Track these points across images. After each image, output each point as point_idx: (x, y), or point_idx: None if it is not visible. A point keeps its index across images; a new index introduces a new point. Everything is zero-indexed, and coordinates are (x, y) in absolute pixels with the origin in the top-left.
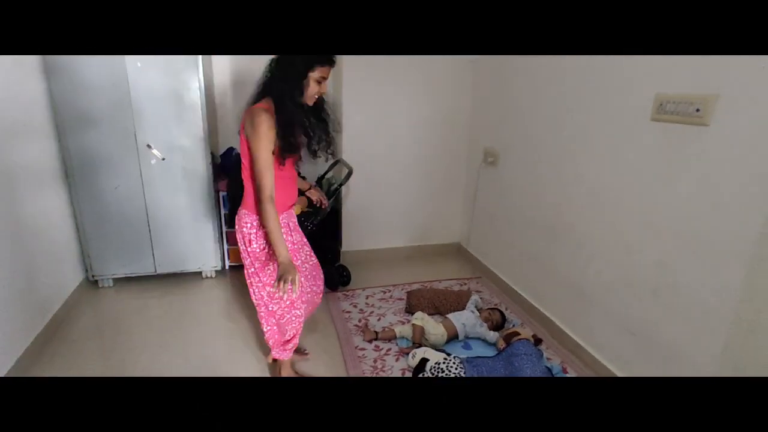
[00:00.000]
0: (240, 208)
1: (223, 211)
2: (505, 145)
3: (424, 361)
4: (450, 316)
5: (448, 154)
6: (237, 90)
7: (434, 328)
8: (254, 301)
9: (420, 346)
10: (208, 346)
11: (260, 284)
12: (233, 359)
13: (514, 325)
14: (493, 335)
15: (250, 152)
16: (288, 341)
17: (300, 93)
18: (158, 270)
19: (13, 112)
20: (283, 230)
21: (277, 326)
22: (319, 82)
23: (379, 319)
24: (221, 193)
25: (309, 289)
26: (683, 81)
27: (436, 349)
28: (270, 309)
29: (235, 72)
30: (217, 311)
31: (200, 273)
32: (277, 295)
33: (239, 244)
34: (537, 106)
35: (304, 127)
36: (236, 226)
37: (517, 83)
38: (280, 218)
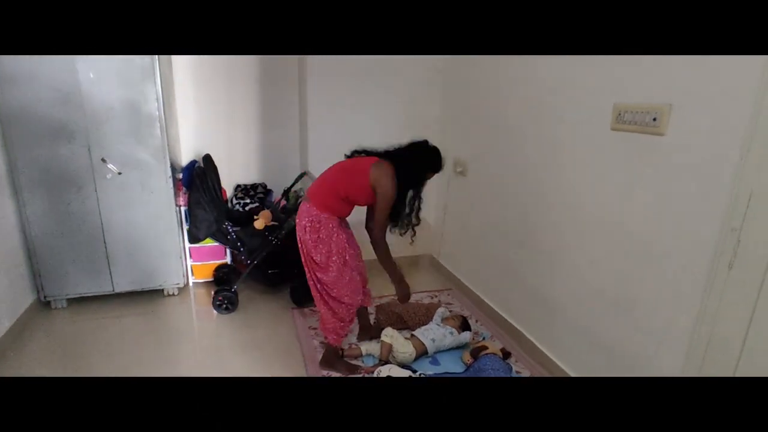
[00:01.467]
0: (308, 203)
1: (185, 227)
2: (473, 155)
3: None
4: (417, 333)
5: None
6: (200, 102)
7: (403, 347)
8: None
9: (386, 363)
10: (172, 367)
11: (313, 272)
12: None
13: (483, 338)
14: (465, 335)
15: (376, 196)
16: (342, 326)
17: (421, 182)
18: (116, 289)
19: None
20: (340, 226)
21: (331, 311)
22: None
23: (346, 335)
24: (182, 208)
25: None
26: (640, 91)
27: (403, 367)
28: (322, 295)
29: (198, 84)
30: (182, 330)
31: (162, 291)
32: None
33: (298, 234)
34: (503, 116)
35: (409, 205)
36: (297, 219)
37: (485, 94)
38: (338, 221)
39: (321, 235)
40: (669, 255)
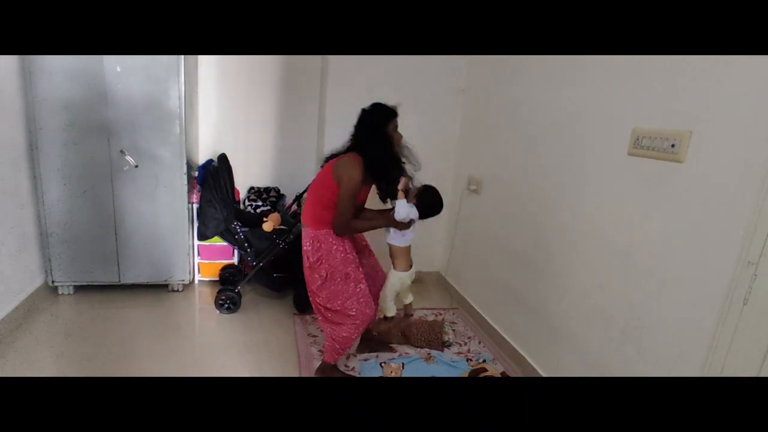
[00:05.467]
0: (305, 227)
1: (195, 224)
2: (488, 174)
3: None
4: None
5: (433, 179)
6: (222, 101)
7: None
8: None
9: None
10: (166, 362)
11: (315, 293)
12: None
13: (484, 360)
14: None
15: (339, 191)
16: (340, 347)
17: (390, 145)
18: (122, 280)
19: None
20: (345, 242)
21: (333, 328)
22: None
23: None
24: (195, 205)
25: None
26: (658, 116)
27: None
28: (327, 317)
29: (221, 85)
30: (182, 326)
31: (167, 286)
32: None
33: (303, 260)
34: (521, 138)
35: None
36: (302, 246)
37: (504, 116)
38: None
39: (322, 254)
40: (681, 284)
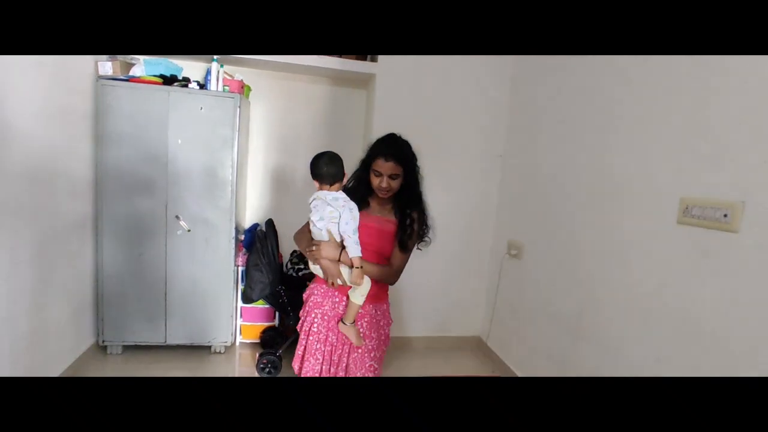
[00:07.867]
0: None
1: (240, 286)
2: (529, 239)
3: None
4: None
5: (473, 243)
6: (269, 171)
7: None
8: None
9: None
10: None
11: None
12: None
13: None
14: None
15: None
16: None
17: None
18: (168, 341)
19: (59, 164)
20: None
21: None
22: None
23: None
24: (240, 268)
25: None
26: (707, 186)
27: None
28: None
29: (268, 154)
30: None
31: (210, 347)
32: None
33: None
34: (564, 203)
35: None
36: None
37: (547, 181)
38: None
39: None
40: (744, 362)
